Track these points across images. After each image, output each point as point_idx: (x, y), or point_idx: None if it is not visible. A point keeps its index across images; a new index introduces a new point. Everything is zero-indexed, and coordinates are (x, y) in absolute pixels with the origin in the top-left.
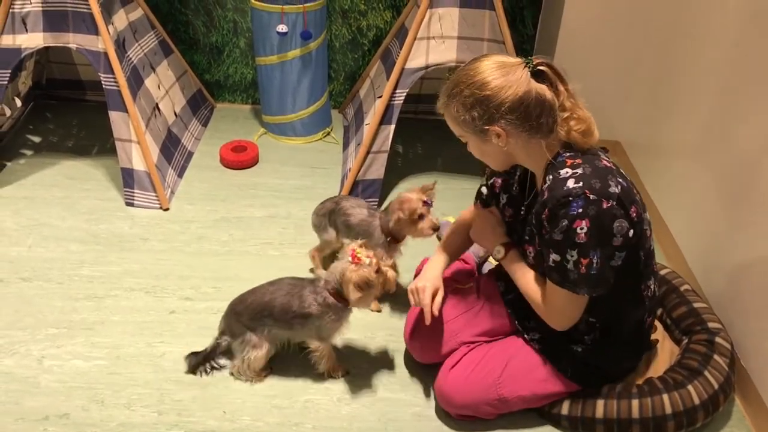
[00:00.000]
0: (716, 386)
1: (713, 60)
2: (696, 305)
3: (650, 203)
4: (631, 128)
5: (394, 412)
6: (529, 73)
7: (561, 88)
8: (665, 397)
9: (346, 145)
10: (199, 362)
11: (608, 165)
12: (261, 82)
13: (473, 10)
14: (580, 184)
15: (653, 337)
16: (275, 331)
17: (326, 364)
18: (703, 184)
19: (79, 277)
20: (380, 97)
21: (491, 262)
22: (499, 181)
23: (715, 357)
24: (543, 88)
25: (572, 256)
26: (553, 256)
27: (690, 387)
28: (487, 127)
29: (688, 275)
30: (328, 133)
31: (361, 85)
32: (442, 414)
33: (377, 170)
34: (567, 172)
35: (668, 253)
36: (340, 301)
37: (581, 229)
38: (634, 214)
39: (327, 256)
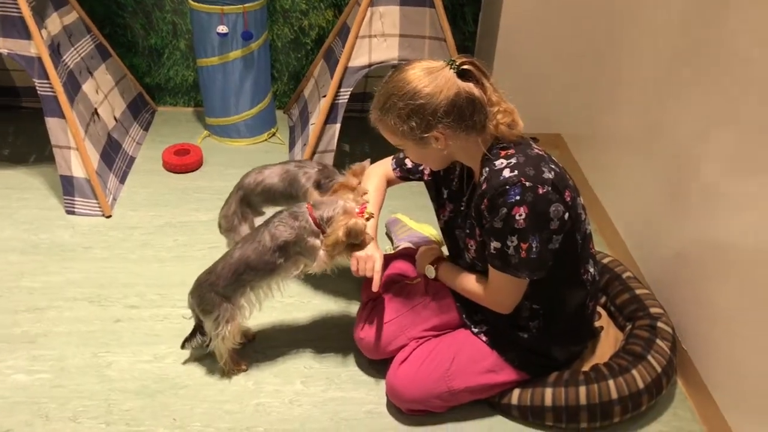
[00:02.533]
0: (659, 370)
1: (650, 52)
2: (638, 292)
3: (592, 193)
4: (572, 121)
5: (347, 411)
6: (455, 73)
7: (486, 83)
8: (611, 382)
9: (292, 146)
10: (190, 336)
11: (540, 153)
12: (203, 84)
13: (414, 8)
14: (515, 172)
15: (598, 324)
16: (257, 284)
17: (332, 251)
18: (642, 174)
19: (19, 289)
20: (325, 96)
21: None
22: (429, 168)
23: (658, 341)
24: (470, 87)
25: (512, 241)
26: (494, 244)
27: (634, 372)
28: (426, 134)
29: (630, 263)
30: (274, 134)
31: (305, 85)
32: (395, 410)
33: None
34: (502, 163)
35: (610, 242)
36: (318, 228)
37: (520, 215)
38: (569, 198)
39: None
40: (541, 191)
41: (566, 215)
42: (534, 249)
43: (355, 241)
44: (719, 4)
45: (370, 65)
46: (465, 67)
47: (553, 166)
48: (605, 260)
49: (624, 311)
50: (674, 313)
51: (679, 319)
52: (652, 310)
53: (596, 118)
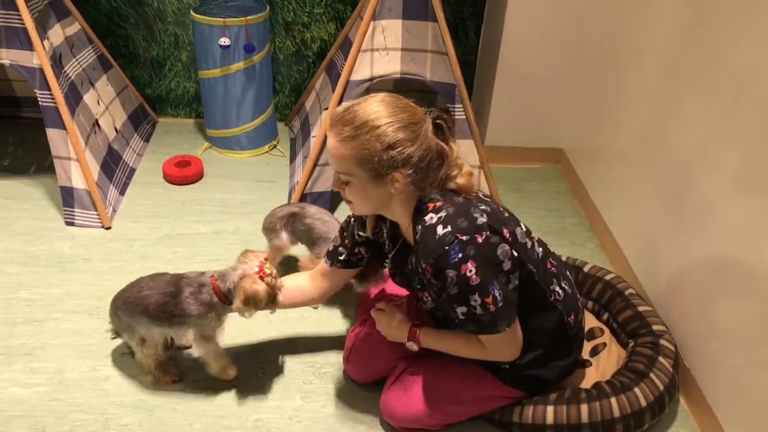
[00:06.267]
0: (662, 388)
1: (650, 68)
2: (640, 308)
3: (594, 208)
4: (574, 136)
5: (346, 428)
6: (431, 123)
7: (452, 144)
8: (613, 400)
9: (293, 158)
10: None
11: (467, 198)
12: (204, 95)
13: (416, 22)
14: (449, 228)
15: (601, 340)
16: (154, 329)
17: (217, 364)
18: (644, 189)
19: (17, 301)
20: (326, 109)
21: None
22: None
23: (660, 359)
24: (440, 143)
25: (476, 300)
26: (460, 309)
27: (636, 389)
28: (391, 172)
29: (632, 279)
30: (275, 146)
31: (306, 97)
32: (391, 428)
33: (325, 183)
34: (432, 218)
35: (612, 258)
36: (225, 302)
37: (470, 272)
38: (508, 234)
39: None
40: (480, 240)
41: (513, 252)
42: (498, 298)
43: (257, 307)
44: (719, 20)
45: (371, 79)
46: (438, 121)
47: (483, 207)
48: (607, 276)
49: (626, 328)
50: (677, 331)
51: (682, 336)
52: (655, 327)
53: (598, 132)
